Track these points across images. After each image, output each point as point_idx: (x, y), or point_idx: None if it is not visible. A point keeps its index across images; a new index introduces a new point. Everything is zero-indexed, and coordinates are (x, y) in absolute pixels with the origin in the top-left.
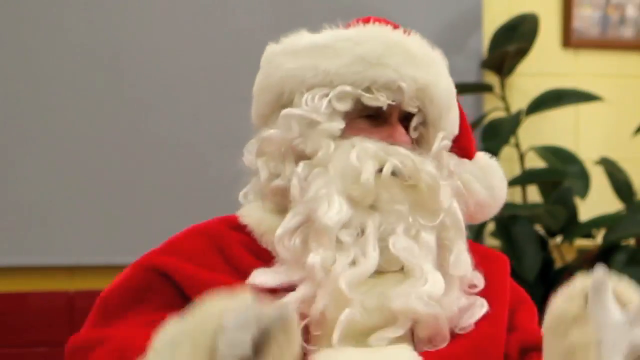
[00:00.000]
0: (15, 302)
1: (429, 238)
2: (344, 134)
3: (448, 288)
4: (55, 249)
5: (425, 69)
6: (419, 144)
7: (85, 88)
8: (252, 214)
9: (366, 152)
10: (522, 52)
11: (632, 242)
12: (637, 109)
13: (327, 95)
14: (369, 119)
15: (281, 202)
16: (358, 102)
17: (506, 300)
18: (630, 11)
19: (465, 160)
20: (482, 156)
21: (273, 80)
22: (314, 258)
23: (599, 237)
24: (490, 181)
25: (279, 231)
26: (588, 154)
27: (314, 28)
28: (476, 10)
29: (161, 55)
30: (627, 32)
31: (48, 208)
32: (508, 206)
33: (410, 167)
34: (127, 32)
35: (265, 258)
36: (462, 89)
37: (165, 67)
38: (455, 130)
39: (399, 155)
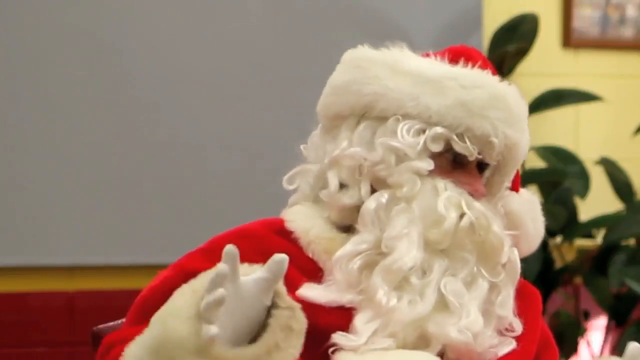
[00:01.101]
0: (15, 302)
1: (484, 284)
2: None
3: (486, 324)
4: (55, 249)
5: (517, 127)
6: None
7: (85, 88)
8: (300, 219)
9: (451, 201)
10: (522, 52)
11: (632, 242)
12: (637, 109)
13: (423, 131)
14: (452, 161)
15: (345, 217)
16: (447, 144)
17: (536, 339)
18: (630, 11)
19: (515, 194)
20: (524, 191)
21: (366, 90)
22: (382, 296)
23: (599, 237)
24: (535, 214)
25: (340, 252)
26: (588, 154)
27: (315, 29)
28: (476, 10)
29: (162, 56)
30: (627, 32)
31: (48, 208)
32: None
33: (483, 225)
34: (128, 34)
35: (309, 268)
36: None
37: (165, 68)
38: (513, 174)
39: (476, 211)
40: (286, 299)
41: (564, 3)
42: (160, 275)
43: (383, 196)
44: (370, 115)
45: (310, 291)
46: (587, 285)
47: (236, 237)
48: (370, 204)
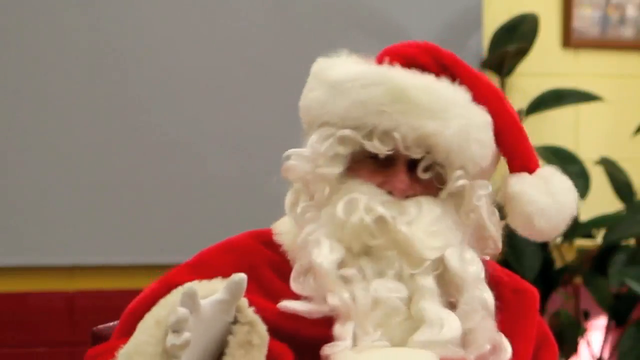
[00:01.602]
0: (15, 302)
1: (427, 280)
2: (348, 174)
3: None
4: (55, 249)
5: (428, 118)
6: (440, 181)
7: (85, 89)
8: (287, 231)
9: (352, 204)
10: (522, 52)
11: (632, 242)
12: (637, 109)
13: (331, 136)
14: (375, 159)
15: None
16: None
17: (532, 338)
18: (630, 11)
19: (524, 174)
20: (544, 169)
21: (305, 103)
22: (333, 299)
23: (599, 237)
24: (550, 188)
25: (292, 274)
26: (588, 154)
27: (315, 29)
28: (476, 10)
29: (161, 56)
30: (627, 32)
31: (48, 208)
32: None
33: (389, 222)
34: (127, 34)
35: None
36: None
37: (165, 68)
38: (481, 160)
39: (375, 212)
40: (246, 314)
41: (564, 3)
42: (148, 288)
43: (300, 206)
44: (313, 128)
45: (292, 303)
46: (587, 285)
47: (223, 250)
48: (290, 214)
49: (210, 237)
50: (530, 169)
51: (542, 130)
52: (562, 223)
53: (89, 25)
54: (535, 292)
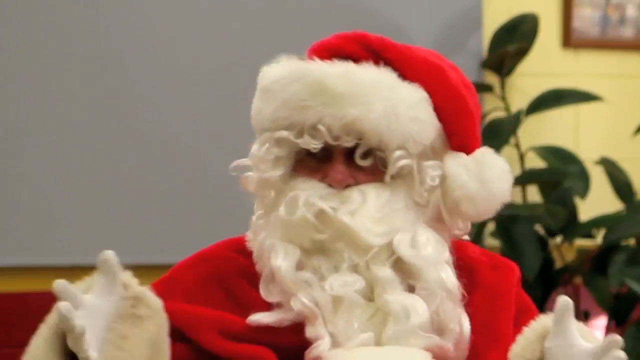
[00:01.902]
0: (15, 302)
1: (385, 271)
2: (295, 174)
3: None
4: (55, 249)
5: (350, 105)
6: (384, 165)
7: (85, 88)
8: (254, 237)
9: (294, 202)
10: (522, 52)
11: (632, 242)
12: (637, 109)
13: (268, 140)
14: (314, 156)
15: None
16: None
17: (510, 311)
18: (630, 11)
19: (460, 154)
20: (483, 151)
21: (252, 113)
22: (295, 303)
23: (599, 237)
24: (484, 173)
25: (260, 282)
26: (588, 154)
27: (314, 29)
28: (476, 10)
29: (162, 56)
30: (627, 32)
31: (48, 208)
32: (508, 206)
33: (330, 214)
34: (127, 34)
35: None
36: None
37: (165, 68)
38: (421, 138)
39: (329, 201)
40: (130, 290)
41: (564, 3)
42: None
43: (255, 216)
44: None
45: (261, 316)
46: (587, 285)
47: (195, 263)
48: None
49: (210, 237)
50: (469, 149)
51: (542, 130)
52: (489, 210)
53: (89, 25)
54: (514, 267)
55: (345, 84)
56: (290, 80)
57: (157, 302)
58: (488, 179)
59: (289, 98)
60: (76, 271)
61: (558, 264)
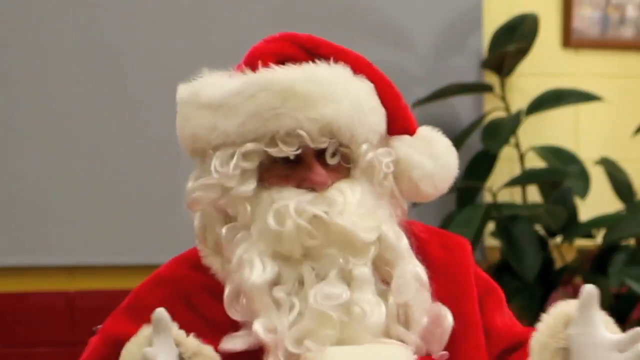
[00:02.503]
0: (15, 302)
1: (362, 270)
2: (264, 184)
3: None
4: (55, 249)
5: (323, 105)
6: (346, 161)
7: (85, 88)
8: (213, 253)
9: (284, 211)
10: (522, 52)
11: (632, 242)
12: (637, 109)
13: (233, 155)
14: (286, 161)
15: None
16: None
17: (473, 295)
18: (630, 11)
19: (406, 137)
20: (423, 129)
21: (186, 133)
22: (256, 325)
23: (599, 237)
24: (434, 150)
25: (224, 299)
26: (588, 154)
27: (315, 29)
28: (476, 10)
29: (161, 56)
30: (627, 32)
31: (48, 208)
32: (508, 206)
33: (325, 219)
34: (127, 33)
35: None
36: (462, 89)
37: (165, 68)
38: (379, 127)
39: (317, 206)
40: (187, 346)
41: (564, 3)
42: (90, 344)
43: (223, 231)
44: (201, 156)
45: (229, 343)
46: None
47: (153, 285)
48: (202, 241)
49: None
50: (411, 131)
51: (542, 130)
52: (445, 185)
53: (88, 25)
54: (465, 243)
55: (314, 85)
56: (255, 91)
57: (212, 352)
58: (438, 154)
59: (257, 109)
60: (76, 271)
61: (558, 264)
